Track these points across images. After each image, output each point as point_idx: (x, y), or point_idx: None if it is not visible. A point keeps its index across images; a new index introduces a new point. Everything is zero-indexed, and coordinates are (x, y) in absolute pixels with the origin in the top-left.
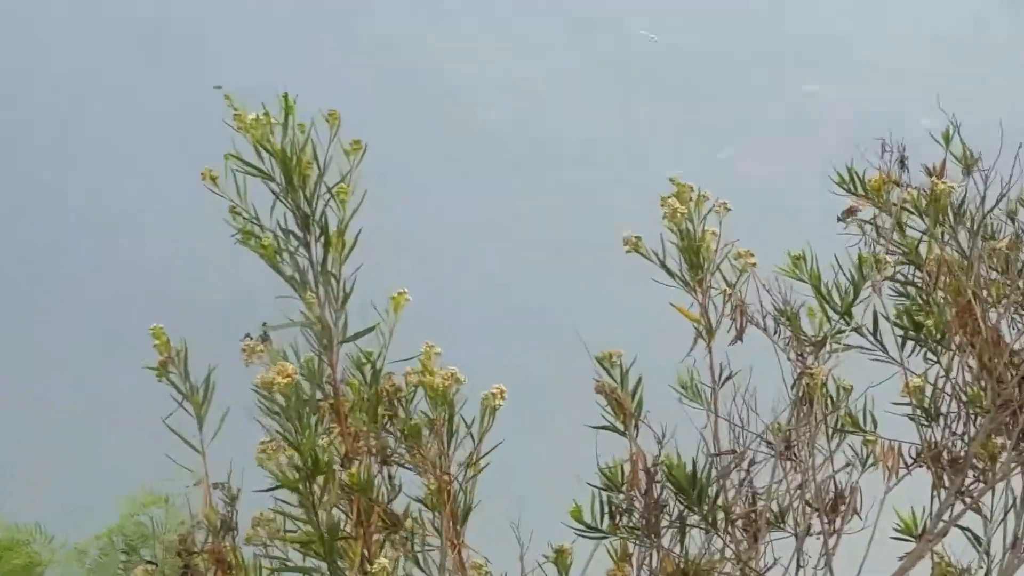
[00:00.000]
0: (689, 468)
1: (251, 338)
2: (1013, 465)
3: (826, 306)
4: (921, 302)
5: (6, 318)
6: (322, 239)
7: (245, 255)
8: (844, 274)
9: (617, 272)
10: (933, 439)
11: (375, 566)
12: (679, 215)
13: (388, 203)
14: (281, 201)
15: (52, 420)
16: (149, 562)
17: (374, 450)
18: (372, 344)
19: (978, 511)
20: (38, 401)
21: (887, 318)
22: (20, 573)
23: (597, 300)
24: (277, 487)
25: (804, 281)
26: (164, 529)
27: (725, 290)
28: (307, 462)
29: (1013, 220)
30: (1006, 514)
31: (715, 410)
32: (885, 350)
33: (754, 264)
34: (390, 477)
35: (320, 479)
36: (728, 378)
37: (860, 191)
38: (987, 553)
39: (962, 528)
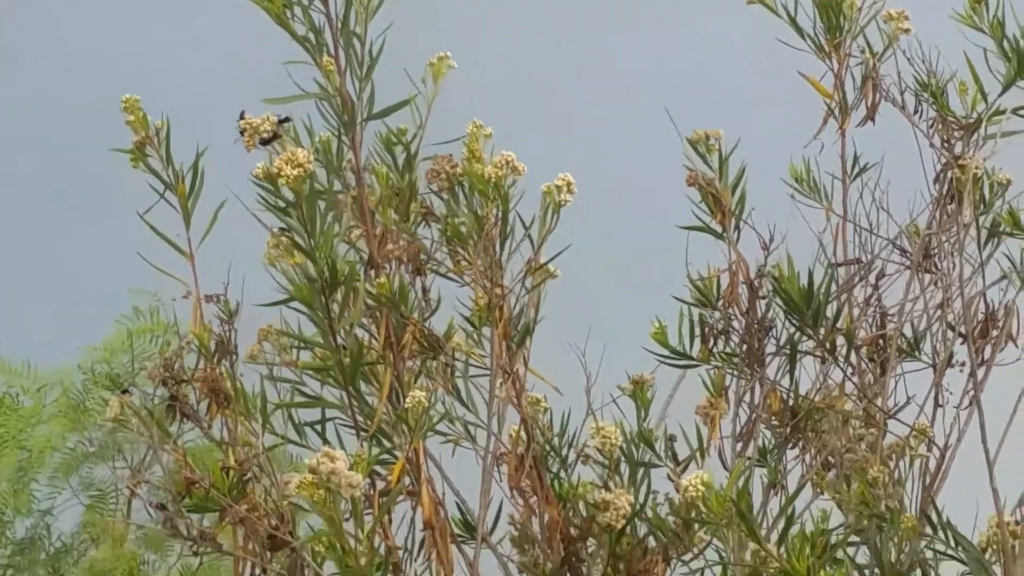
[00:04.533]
0: (803, 280)
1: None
2: None
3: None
4: None
5: None
6: None
7: (244, 8)
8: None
9: (728, 24)
10: None
11: (409, 399)
12: None
13: None
14: None
15: None
16: (125, 391)
17: (407, 255)
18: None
19: None
20: None
21: None
22: None
23: (694, 64)
24: (286, 300)
25: (983, 31)
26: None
27: (868, 59)
28: (323, 271)
29: None
30: None
31: (844, 210)
32: None
33: (907, 30)
34: (425, 290)
35: (340, 291)
36: (863, 170)
37: None
38: None
39: None
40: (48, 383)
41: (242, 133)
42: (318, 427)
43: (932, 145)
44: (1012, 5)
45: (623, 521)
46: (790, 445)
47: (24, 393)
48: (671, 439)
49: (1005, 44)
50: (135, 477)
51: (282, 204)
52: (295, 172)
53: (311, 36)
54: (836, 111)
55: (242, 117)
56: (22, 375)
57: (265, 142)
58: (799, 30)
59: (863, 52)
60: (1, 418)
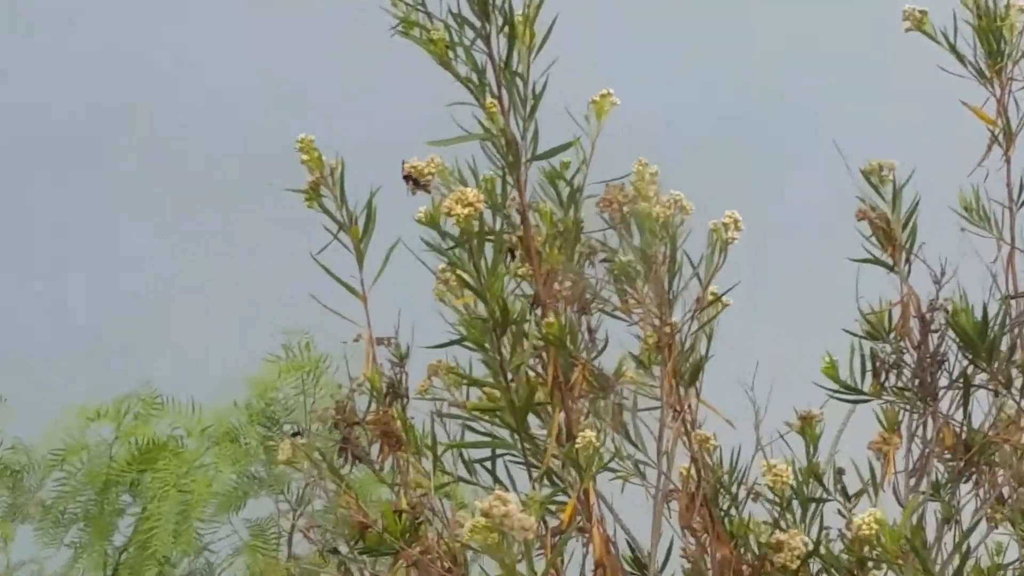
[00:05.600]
0: (977, 314)
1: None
2: None
3: None
4: None
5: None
6: (505, 29)
7: (407, 52)
8: None
9: (890, 58)
10: None
11: (580, 439)
12: None
13: None
14: None
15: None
16: (296, 434)
17: (576, 294)
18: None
19: None
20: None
21: None
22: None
23: (861, 96)
24: (457, 341)
25: None
26: (313, 396)
27: None
28: (494, 312)
29: None
30: None
31: (1012, 239)
32: None
33: None
34: (591, 329)
35: (511, 331)
36: None
37: None
38: None
39: None
40: (211, 423)
41: (406, 179)
42: (488, 464)
43: None
44: None
45: (798, 562)
46: (964, 479)
47: (188, 435)
48: (840, 472)
49: None
50: (304, 517)
51: (449, 244)
52: (466, 211)
53: (473, 77)
54: (1000, 137)
55: (405, 163)
56: (186, 416)
57: (418, 184)
58: (959, 56)
59: None
60: (164, 462)
